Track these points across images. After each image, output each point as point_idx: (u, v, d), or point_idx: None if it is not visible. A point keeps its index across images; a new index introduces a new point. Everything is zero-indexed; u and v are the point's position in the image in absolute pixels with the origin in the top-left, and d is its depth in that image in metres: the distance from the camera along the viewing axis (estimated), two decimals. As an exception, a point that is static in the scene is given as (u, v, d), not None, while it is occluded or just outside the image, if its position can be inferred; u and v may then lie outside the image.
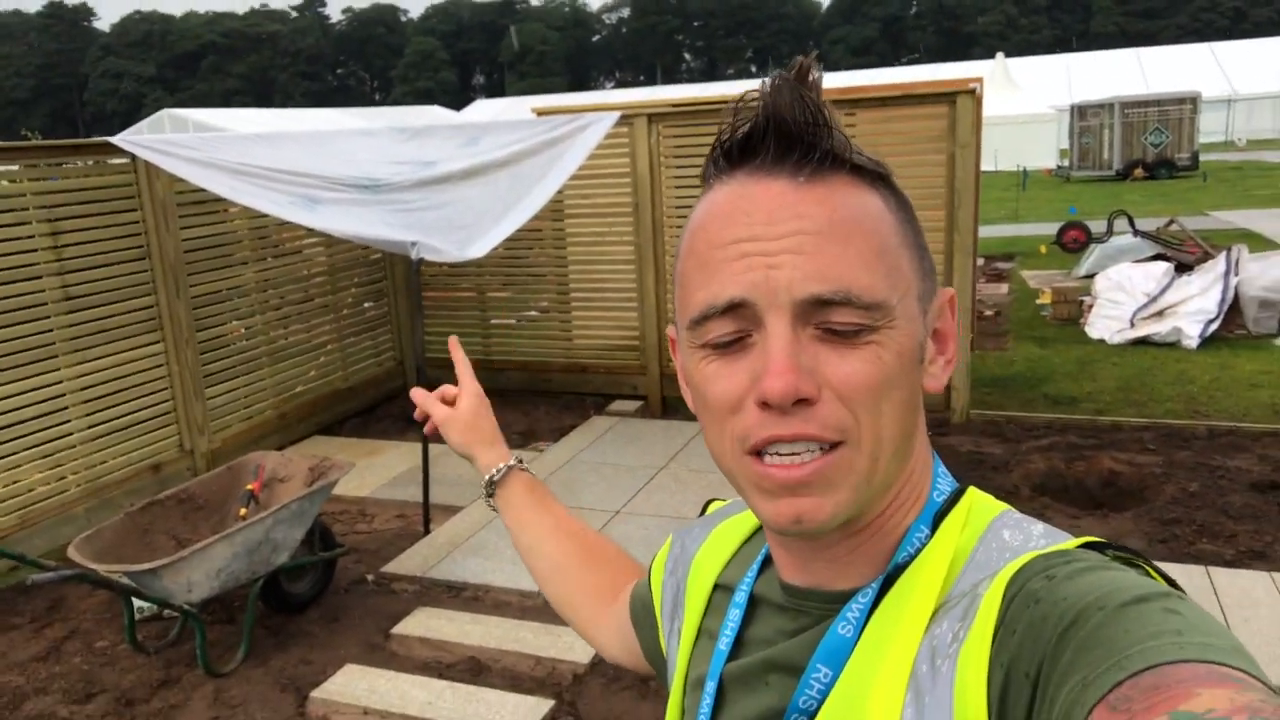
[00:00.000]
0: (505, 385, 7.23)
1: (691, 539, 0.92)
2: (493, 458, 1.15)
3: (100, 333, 5.02)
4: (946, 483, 0.74)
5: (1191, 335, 7.51)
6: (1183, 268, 8.62)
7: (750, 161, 0.66)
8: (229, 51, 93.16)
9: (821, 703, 0.69)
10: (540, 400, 6.98)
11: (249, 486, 4.02)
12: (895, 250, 0.66)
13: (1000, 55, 41.78)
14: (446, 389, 1.21)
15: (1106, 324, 8.09)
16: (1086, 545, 0.64)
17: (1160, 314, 7.90)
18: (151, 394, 5.32)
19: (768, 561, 0.80)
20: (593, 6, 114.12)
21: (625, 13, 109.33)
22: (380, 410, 7.07)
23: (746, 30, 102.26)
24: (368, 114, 39.41)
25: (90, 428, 4.98)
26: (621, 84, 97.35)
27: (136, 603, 3.72)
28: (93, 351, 4.98)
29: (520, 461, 1.15)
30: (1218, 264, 7.99)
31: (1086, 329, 8.25)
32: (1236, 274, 7.77)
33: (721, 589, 0.84)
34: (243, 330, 6.07)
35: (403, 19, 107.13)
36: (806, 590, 0.73)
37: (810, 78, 0.65)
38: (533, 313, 7.27)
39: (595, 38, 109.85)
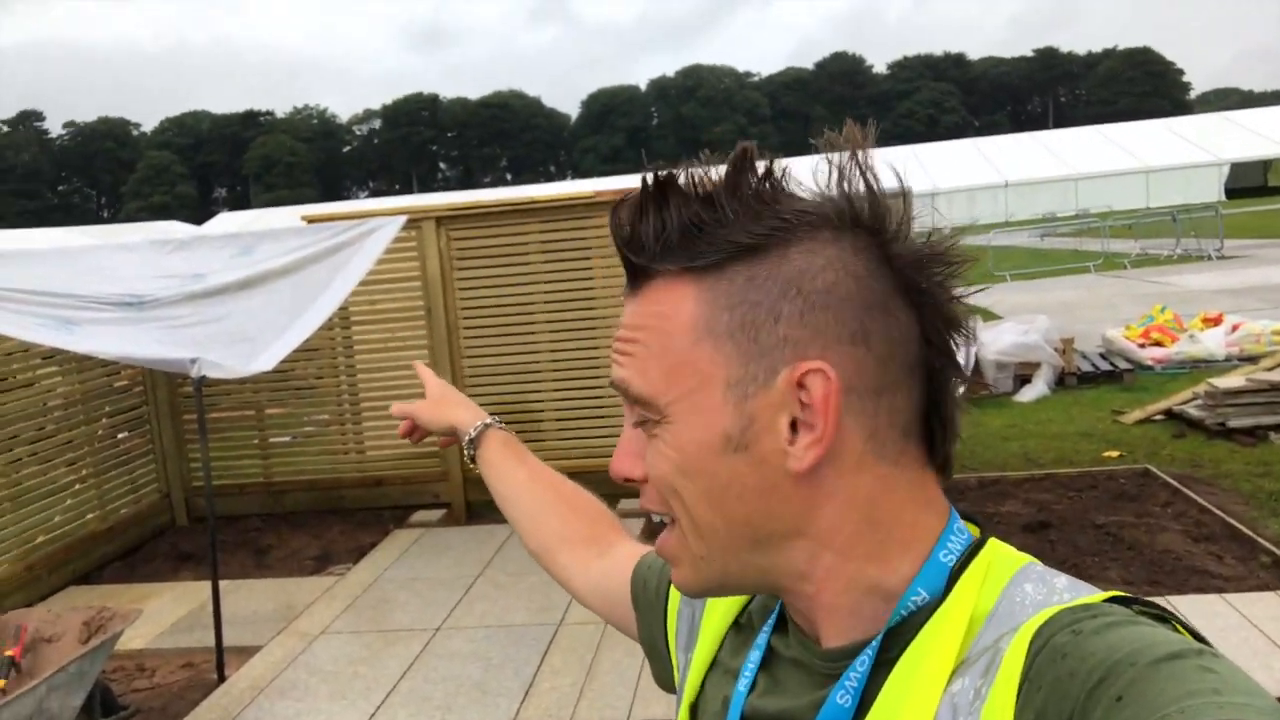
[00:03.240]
0: (293, 507, 6.74)
1: None
2: (469, 417, 1.22)
3: None
4: (959, 541, 0.70)
5: (946, 399, 8.27)
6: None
7: None
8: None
9: None
10: (333, 520, 6.55)
11: (8, 653, 3.45)
12: (688, 348, 0.66)
13: (738, 158, 45.36)
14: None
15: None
16: (1113, 600, 0.63)
17: (917, 382, 8.66)
18: None
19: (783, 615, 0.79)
20: (342, 118, 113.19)
21: (376, 124, 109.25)
22: (146, 550, 6.35)
23: (500, 141, 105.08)
24: (101, 231, 36.52)
25: None
26: (376, 193, 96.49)
27: None
28: None
29: (498, 420, 1.22)
30: (958, 334, 8.91)
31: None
32: (974, 342, 8.68)
33: (742, 627, 0.83)
34: (-26, 474, 5.30)
35: (134, 132, 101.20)
36: (810, 643, 0.72)
37: (683, 181, 0.67)
38: (309, 428, 6.88)
39: (346, 149, 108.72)
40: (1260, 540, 4.72)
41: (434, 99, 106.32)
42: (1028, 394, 8.34)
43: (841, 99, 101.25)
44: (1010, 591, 0.66)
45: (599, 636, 4.35)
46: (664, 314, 0.69)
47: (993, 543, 0.72)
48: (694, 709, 0.83)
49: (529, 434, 6.24)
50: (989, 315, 12.84)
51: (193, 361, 4.29)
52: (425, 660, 4.28)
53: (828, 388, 0.65)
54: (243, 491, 6.78)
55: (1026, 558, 0.71)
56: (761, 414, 0.66)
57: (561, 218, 6.16)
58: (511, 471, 1.18)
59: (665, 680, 0.97)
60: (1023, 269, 19.61)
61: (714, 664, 0.83)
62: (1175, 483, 5.66)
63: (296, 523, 6.56)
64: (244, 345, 4.73)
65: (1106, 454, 6.50)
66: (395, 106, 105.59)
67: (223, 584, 4.86)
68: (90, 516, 6.07)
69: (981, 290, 0.83)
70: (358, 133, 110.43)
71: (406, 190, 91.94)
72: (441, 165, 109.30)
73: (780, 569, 0.69)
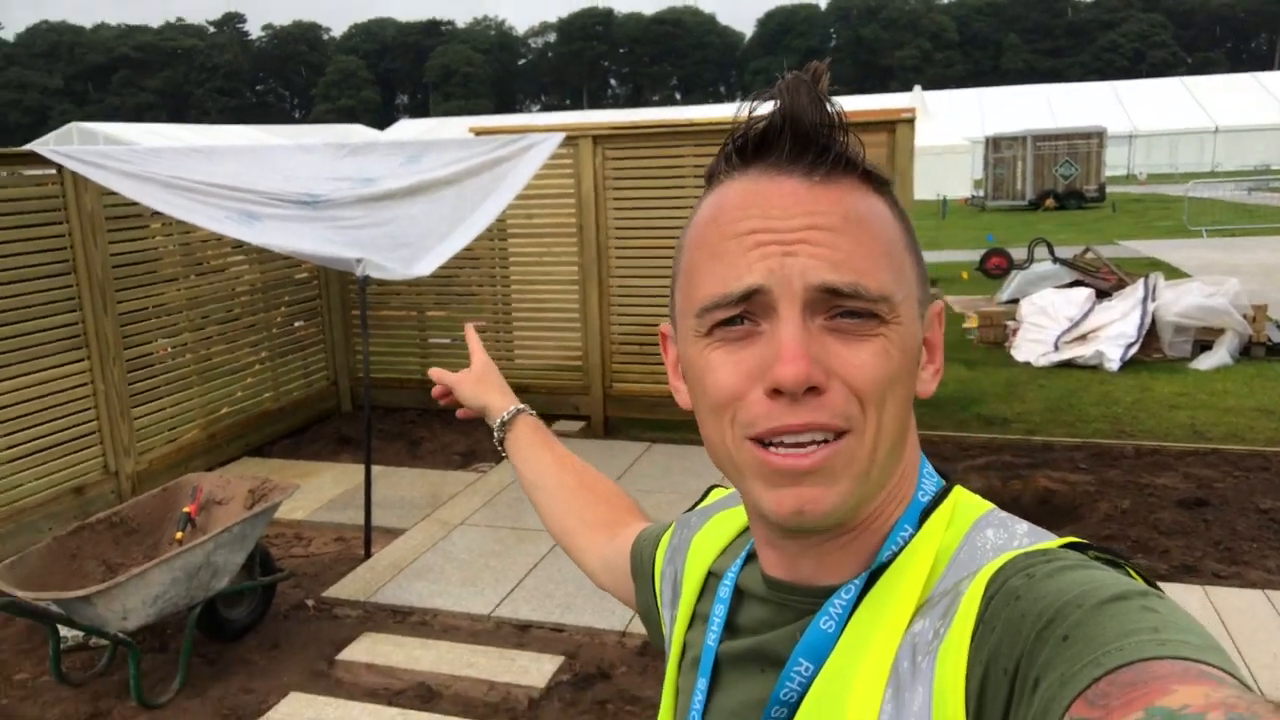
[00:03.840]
0: (446, 405, 7.10)
1: (690, 529, 0.94)
2: (504, 403, 1.24)
3: (22, 350, 4.77)
4: (932, 482, 0.75)
5: (1113, 358, 7.80)
6: (1101, 294, 8.97)
7: (763, 160, 0.67)
8: (142, 65, 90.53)
9: (802, 696, 0.69)
10: (481, 421, 6.84)
11: (186, 509, 3.85)
12: (901, 254, 0.68)
13: (918, 88, 43.22)
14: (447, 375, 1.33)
15: (1032, 347, 8.36)
16: (1068, 545, 0.65)
17: (1083, 338, 8.20)
18: (75, 413, 5.07)
19: (753, 554, 0.80)
20: (519, 30, 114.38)
21: (551, 37, 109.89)
22: (312, 431, 6.87)
23: (671, 58, 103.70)
24: (289, 131, 38.63)
25: (9, 448, 4.72)
26: (547, 107, 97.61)
27: (61, 630, 3.52)
28: (14, 369, 4.73)
29: (528, 408, 1.24)
30: (1136, 290, 8.33)
31: (1012, 352, 8.50)
32: (1154, 300, 8.11)
33: (714, 576, 0.85)
34: (169, 349, 5.84)
35: (325, 37, 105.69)
36: (789, 584, 0.74)
37: (822, 84, 0.66)
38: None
39: (521, 61, 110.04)
40: None
41: (608, 13, 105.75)
42: (1206, 361, 7.75)
43: (1037, 27, 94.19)
44: (972, 536, 0.69)
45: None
46: (877, 213, 0.67)
47: (958, 489, 0.75)
48: (680, 662, 0.85)
49: (670, 356, 6.31)
50: (1175, 272, 11.94)
51: (358, 261, 4.55)
52: (551, 560, 4.50)
53: (941, 324, 0.75)
54: (402, 386, 7.20)
55: (989, 505, 0.73)
56: (922, 335, 0.71)
57: (717, 141, 6.05)
58: (538, 458, 1.19)
59: (660, 644, 0.97)
60: (1223, 225, 18.01)
61: (694, 616, 0.85)
62: (1361, 471, 5.20)
63: (448, 420, 6.92)
64: (405, 250, 4.97)
65: (1286, 433, 6.01)
66: (570, 20, 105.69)
67: (376, 470, 5.23)
68: (266, 395, 6.61)
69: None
70: (533, 45, 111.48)
71: (577, 106, 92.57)
72: (612, 82, 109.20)
73: (882, 490, 0.71)
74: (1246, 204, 22.05)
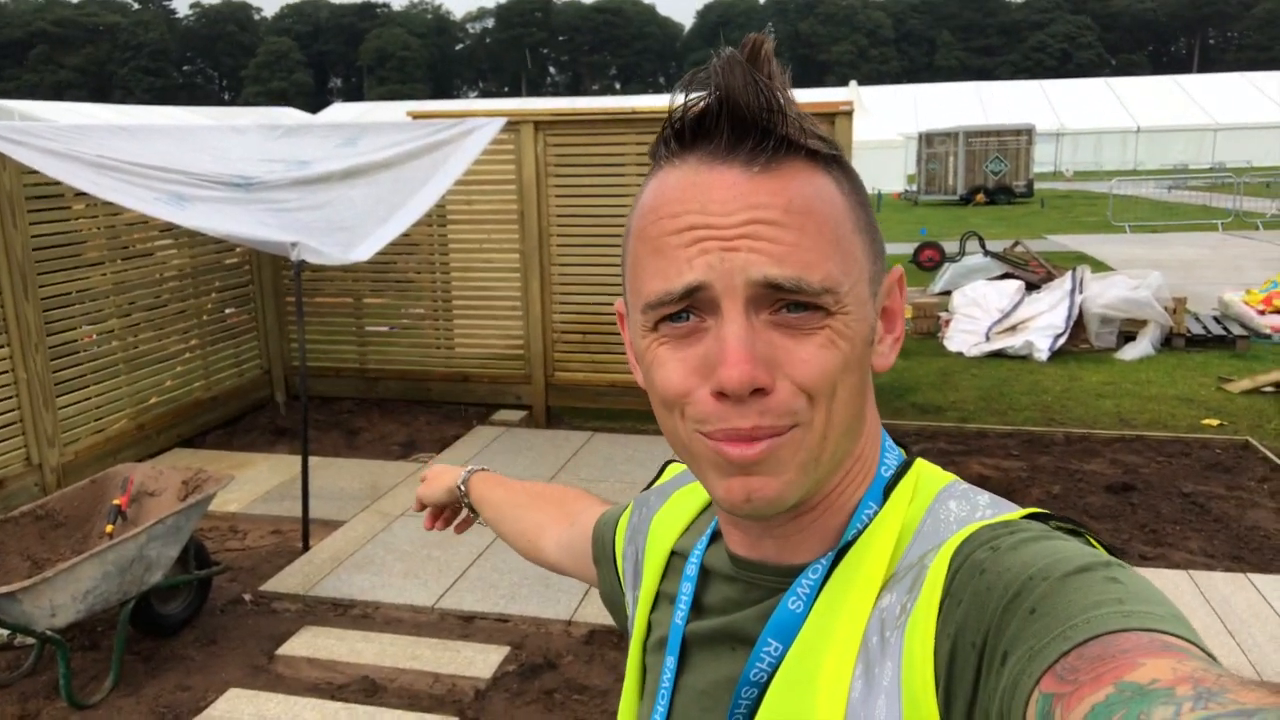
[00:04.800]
0: (383, 394, 7.00)
1: (649, 507, 0.93)
2: (453, 478, 1.30)
3: (-65, 335, 4.57)
4: (894, 456, 0.75)
5: (1042, 348, 8.01)
6: (1031, 286, 9.21)
7: (703, 145, 0.64)
8: (61, 41, 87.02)
9: (772, 675, 0.69)
10: (420, 410, 6.79)
11: (116, 501, 3.72)
12: (849, 237, 0.66)
13: (854, 83, 43.77)
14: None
15: (964, 338, 8.54)
16: (1030, 515, 0.65)
17: (1013, 329, 8.41)
18: (-7, 403, 4.87)
19: (718, 533, 0.80)
20: (456, 15, 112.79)
21: (490, 23, 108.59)
22: (246, 421, 6.71)
23: (611, 47, 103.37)
24: (218, 113, 37.50)
25: (-78, 440, 4.52)
26: (485, 94, 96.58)
27: (-16, 631, 3.38)
28: (-74, 356, 4.52)
29: (470, 468, 1.30)
30: (1064, 283, 8.57)
31: (945, 342, 8.68)
32: (1081, 292, 8.36)
33: (678, 555, 0.84)
34: (94, 336, 5.64)
35: (255, 17, 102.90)
36: (756, 563, 0.74)
37: (763, 56, 0.63)
38: (404, 320, 7.07)
39: (458, 46, 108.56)
40: (1359, 525, 4.51)
41: (547, 1, 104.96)
42: (1130, 352, 8.02)
43: (970, 25, 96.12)
44: (935, 508, 0.69)
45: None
46: (823, 196, 0.65)
47: (920, 461, 0.75)
48: (645, 642, 0.85)
49: (608, 344, 6.31)
50: (1100, 266, 12.31)
51: (293, 245, 4.44)
52: (494, 550, 4.46)
53: (902, 290, 0.73)
54: (338, 375, 7.07)
55: (951, 476, 0.74)
56: (877, 310, 0.70)
57: (659, 131, 6.08)
58: (494, 499, 1.24)
59: (625, 627, 0.97)
60: (1145, 221, 18.65)
61: (658, 596, 0.85)
62: (1276, 458, 5.43)
63: (387, 409, 6.82)
64: (342, 234, 4.87)
65: (1205, 421, 6.24)
66: (509, 6, 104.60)
67: (313, 460, 5.12)
68: (197, 385, 6.42)
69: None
70: (470, 30, 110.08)
71: (515, 93, 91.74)
72: (551, 70, 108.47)
73: (836, 475, 0.70)
74: (1167, 201, 22.89)
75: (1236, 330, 8.54)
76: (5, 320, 4.90)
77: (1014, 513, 0.66)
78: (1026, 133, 25.08)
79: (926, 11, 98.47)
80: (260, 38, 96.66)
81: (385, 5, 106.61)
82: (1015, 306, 8.63)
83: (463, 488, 1.27)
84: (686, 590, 0.79)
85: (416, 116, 6.20)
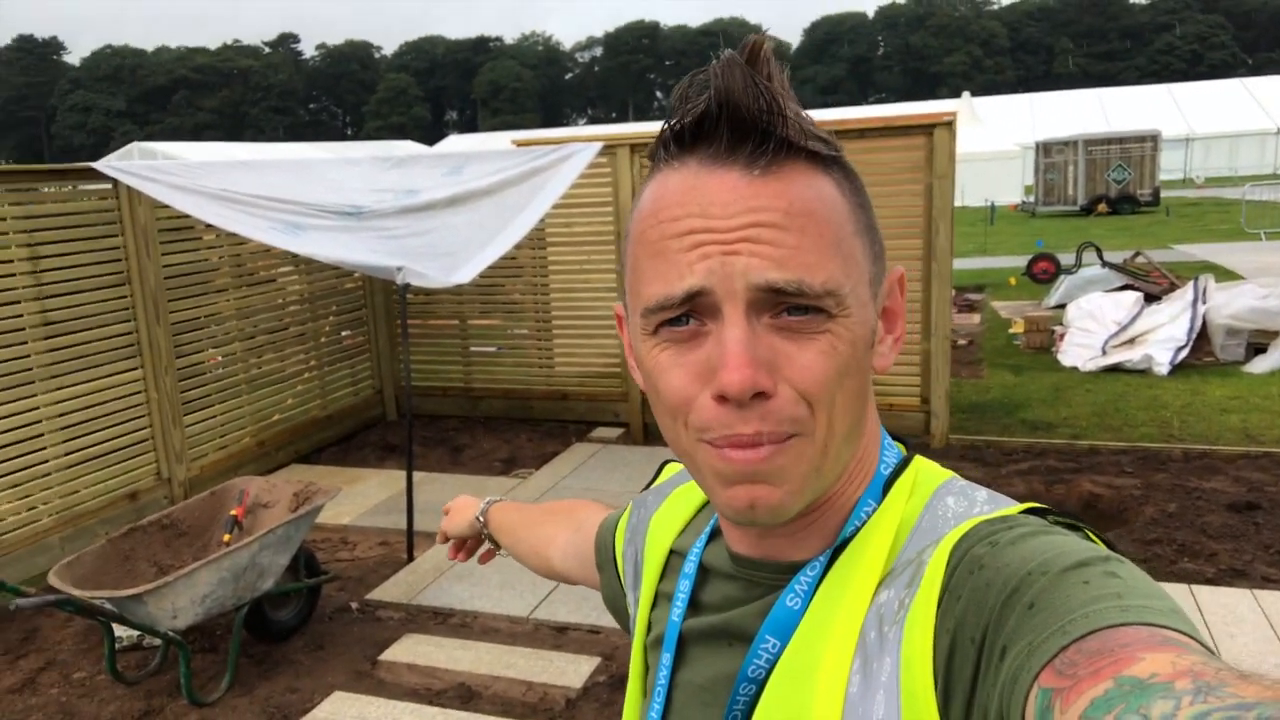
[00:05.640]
0: (487, 413, 7.21)
1: (647, 507, 0.94)
2: (474, 511, 1.32)
3: (78, 359, 4.95)
4: (893, 454, 0.75)
5: (1162, 362, 7.64)
6: (1150, 298, 8.80)
7: (702, 149, 0.64)
8: (200, 86, 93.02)
9: (770, 671, 0.69)
10: (522, 428, 6.96)
11: (233, 512, 3.96)
12: (849, 239, 0.65)
13: (966, 94, 42.72)
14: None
15: (1079, 352, 8.22)
16: (1029, 510, 0.65)
17: (1131, 341, 8.04)
18: (129, 421, 5.25)
19: (717, 531, 0.80)
20: (566, 45, 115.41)
21: (598, 51, 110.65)
22: (359, 439, 7.01)
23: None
24: (342, 148, 39.37)
25: (66, 455, 4.90)
26: (594, 120, 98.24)
27: (116, 631, 3.64)
28: (70, 378, 4.91)
29: (488, 499, 1.32)
30: (1186, 293, 8.16)
31: (1059, 357, 8.37)
32: (1204, 303, 7.94)
33: (676, 554, 0.85)
34: (220, 358, 6.01)
35: (376, 55, 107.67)
36: (756, 560, 0.74)
37: (762, 58, 0.62)
38: (509, 341, 7.27)
39: (568, 75, 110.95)
40: None
41: (655, 26, 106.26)
42: (1260, 365, 7.56)
43: (1091, 31, 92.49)
44: (934, 504, 0.69)
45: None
46: (823, 199, 0.64)
47: (919, 458, 0.75)
48: (645, 640, 0.85)
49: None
50: (1229, 275, 11.65)
51: (398, 269, 4.65)
52: (589, 565, 4.53)
53: (903, 290, 0.74)
54: (445, 394, 7.32)
55: (949, 473, 0.73)
56: (878, 311, 0.70)
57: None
58: (511, 525, 1.26)
59: (629, 628, 0.95)
60: (1281, 227, 17.55)
61: (657, 596, 0.85)
62: None
63: (490, 427, 7.02)
64: (446, 259, 5.06)
65: (1344, 437, 5.84)
66: (617, 34, 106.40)
67: (419, 476, 5.32)
68: (314, 404, 6.76)
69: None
70: (580, 60, 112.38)
71: (623, 118, 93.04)
72: (658, 94, 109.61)
73: (840, 477, 0.70)
74: (1308, 206, 21.43)
75: (1382, 341, 7.94)
76: (139, 344, 5.28)
77: (1012, 508, 0.66)
78: (1151, 139, 23.96)
79: (1044, 18, 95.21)
80: (381, 75, 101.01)
81: (499, 39, 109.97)
82: (1134, 319, 8.26)
83: (481, 519, 1.29)
84: (684, 587, 0.80)
85: (520, 144, 6.40)
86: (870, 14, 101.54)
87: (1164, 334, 7.87)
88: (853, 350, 0.64)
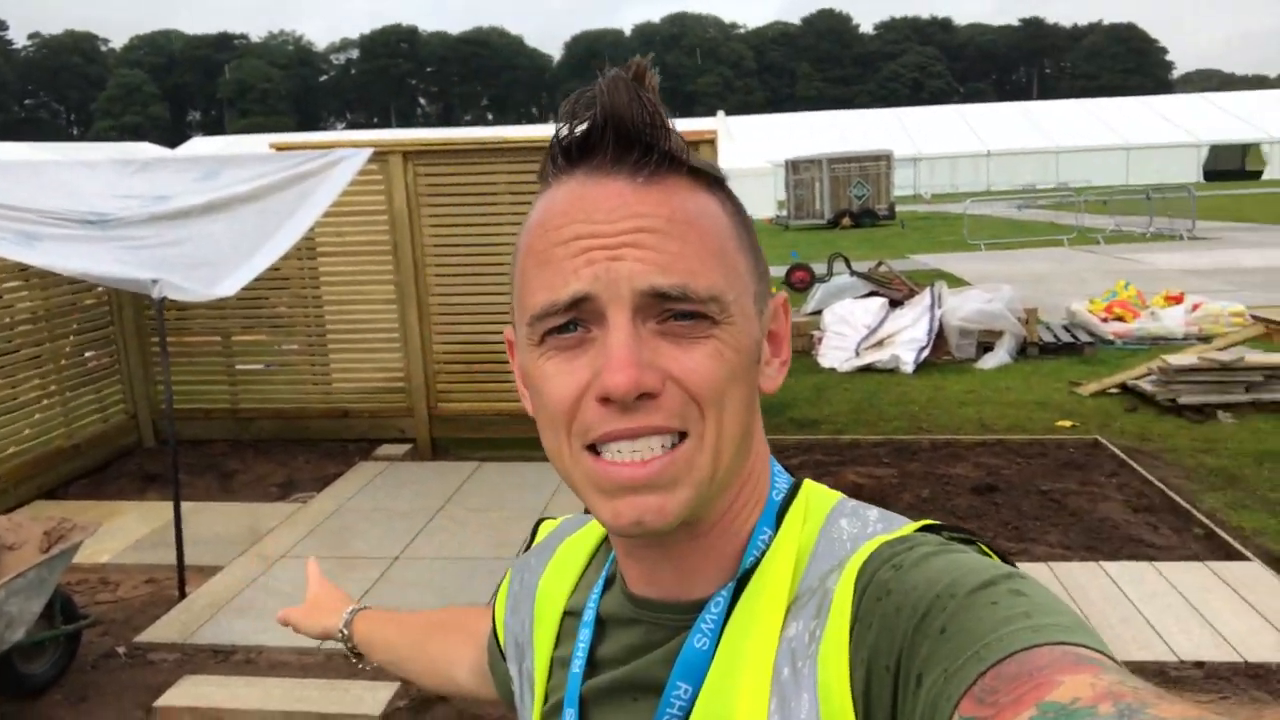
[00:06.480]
0: (258, 435, 6.78)
1: (530, 571, 0.88)
2: (335, 620, 1.18)
3: None
4: (784, 480, 0.75)
5: (908, 361, 8.42)
6: (894, 303, 9.66)
7: (588, 161, 0.65)
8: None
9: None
10: (298, 449, 6.60)
11: (-31, 558, 3.50)
12: (733, 253, 0.66)
13: (721, 113, 44.95)
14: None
15: (835, 354, 8.89)
16: (924, 529, 0.67)
17: (880, 344, 8.80)
18: None
19: (611, 579, 0.78)
20: (319, 46, 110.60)
21: (354, 54, 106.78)
22: (113, 469, 6.38)
23: (481, 78, 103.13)
24: (72, 149, 35.61)
25: None
26: (354, 125, 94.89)
27: None
28: None
29: (351, 608, 1.19)
30: (924, 298, 9.04)
31: (819, 359, 9.00)
32: (940, 307, 8.83)
33: (571, 615, 0.80)
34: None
35: (103, 48, 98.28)
36: (656, 602, 0.72)
37: (646, 79, 0.64)
38: (278, 357, 6.88)
39: (322, 78, 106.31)
40: (1195, 513, 4.90)
41: (413, 31, 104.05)
42: (989, 361, 8.51)
43: (827, 56, 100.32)
44: (828, 528, 0.70)
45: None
46: (706, 212, 0.66)
47: (808, 483, 0.75)
48: (544, 710, 0.79)
49: (493, 373, 6.30)
50: (956, 281, 12.99)
51: (154, 282, 4.29)
52: (381, 587, 4.38)
53: (787, 316, 0.75)
54: (209, 417, 6.81)
55: (838, 495, 0.75)
56: (763, 331, 0.71)
57: (531, 159, 6.14)
58: (385, 638, 1.14)
59: (517, 711, 0.89)
60: (998, 239, 19.80)
61: (553, 663, 0.80)
62: (1122, 454, 5.85)
63: (262, 450, 6.61)
64: (206, 269, 4.72)
65: (1060, 423, 6.68)
66: (373, 37, 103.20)
67: (187, 506, 4.91)
68: (57, 433, 6.08)
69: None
70: (334, 62, 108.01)
71: (385, 124, 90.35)
72: (421, 101, 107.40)
73: (728, 494, 0.70)
74: (1017, 219, 24.43)
75: (1084, 337, 9.18)
76: None
77: (907, 527, 0.67)
78: (885, 159, 26.33)
79: (786, 44, 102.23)
80: (110, 70, 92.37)
81: (243, 36, 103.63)
82: (881, 323, 9.04)
83: (345, 631, 1.16)
84: (584, 636, 0.76)
85: (280, 148, 6.08)
86: (628, 31, 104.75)
87: (908, 336, 8.67)
88: (739, 358, 0.65)
